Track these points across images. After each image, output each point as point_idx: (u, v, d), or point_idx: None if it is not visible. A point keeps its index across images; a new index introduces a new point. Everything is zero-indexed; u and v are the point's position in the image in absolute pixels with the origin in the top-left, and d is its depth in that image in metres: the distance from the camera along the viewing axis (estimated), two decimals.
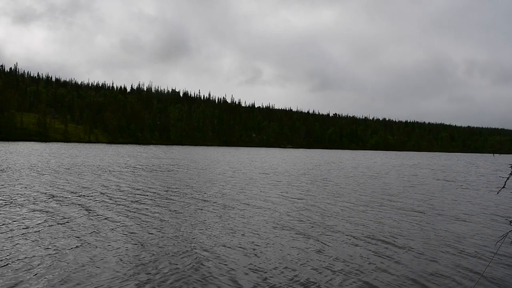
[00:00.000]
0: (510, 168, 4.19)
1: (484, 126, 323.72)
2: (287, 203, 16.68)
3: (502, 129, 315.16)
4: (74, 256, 8.50)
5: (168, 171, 32.27)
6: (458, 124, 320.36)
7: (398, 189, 23.58)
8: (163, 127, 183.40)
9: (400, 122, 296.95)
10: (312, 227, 12.18)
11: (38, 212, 13.04)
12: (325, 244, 10.22)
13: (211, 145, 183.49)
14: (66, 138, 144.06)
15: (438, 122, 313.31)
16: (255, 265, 8.36)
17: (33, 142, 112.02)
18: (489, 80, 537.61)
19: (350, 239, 10.79)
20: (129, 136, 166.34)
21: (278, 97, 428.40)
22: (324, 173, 34.74)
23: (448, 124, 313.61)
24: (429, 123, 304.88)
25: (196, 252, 9.13)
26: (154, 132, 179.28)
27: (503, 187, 4.26)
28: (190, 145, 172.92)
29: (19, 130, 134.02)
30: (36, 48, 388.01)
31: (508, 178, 4.13)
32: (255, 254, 9.13)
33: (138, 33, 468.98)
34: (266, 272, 7.94)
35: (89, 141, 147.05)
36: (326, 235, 11.20)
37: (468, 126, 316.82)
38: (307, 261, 8.76)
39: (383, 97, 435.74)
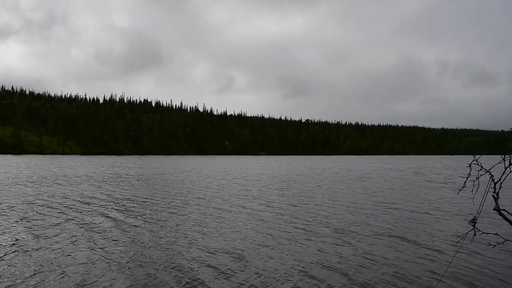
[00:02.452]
0: (468, 167, 4.31)
1: (458, 128, 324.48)
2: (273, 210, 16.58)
3: (477, 130, 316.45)
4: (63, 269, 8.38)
5: (148, 180, 33.47)
6: (432, 126, 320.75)
7: (359, 192, 23.80)
8: (136, 137, 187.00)
9: (373, 126, 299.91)
10: (295, 230, 12.38)
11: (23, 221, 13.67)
12: (303, 245, 10.48)
13: (185, 154, 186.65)
14: (40, 150, 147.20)
15: (412, 124, 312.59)
16: (240, 272, 8.34)
17: (8, 155, 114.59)
18: (462, 81, 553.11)
19: (313, 237, 11.37)
20: (102, 147, 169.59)
21: (251, 105, 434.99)
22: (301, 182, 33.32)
23: (421, 126, 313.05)
24: (402, 126, 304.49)
25: (180, 261, 9.09)
26: (128, 142, 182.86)
27: (463, 187, 4.30)
28: (164, 154, 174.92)
29: None
30: (13, 63, 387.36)
31: (467, 178, 4.21)
32: (240, 260, 9.20)
33: (112, 45, 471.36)
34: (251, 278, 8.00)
35: (63, 153, 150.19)
36: (308, 238, 11.37)
37: (442, 128, 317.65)
38: (292, 265, 8.85)
39: (355, 101, 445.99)
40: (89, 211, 16.08)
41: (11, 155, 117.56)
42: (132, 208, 16.92)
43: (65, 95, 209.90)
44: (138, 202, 18.93)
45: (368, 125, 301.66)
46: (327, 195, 22.29)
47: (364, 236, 11.60)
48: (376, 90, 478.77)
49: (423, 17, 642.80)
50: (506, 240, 4.77)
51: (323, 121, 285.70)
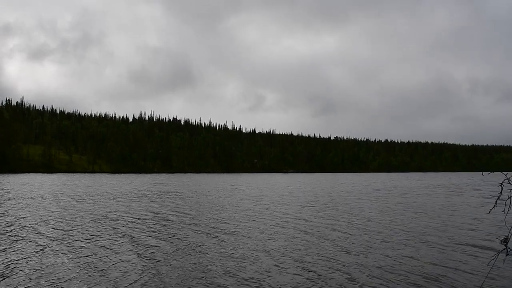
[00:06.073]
0: (500, 186, 4.27)
1: (488, 144, 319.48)
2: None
3: (508, 146, 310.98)
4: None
5: (182, 197, 33.90)
6: (462, 143, 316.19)
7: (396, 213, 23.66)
8: (165, 156, 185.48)
9: (402, 143, 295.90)
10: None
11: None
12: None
13: (213, 172, 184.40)
14: (70, 168, 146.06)
15: (441, 141, 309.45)
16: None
17: (39, 174, 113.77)
18: (492, 98, 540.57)
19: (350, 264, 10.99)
20: (131, 165, 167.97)
21: (280, 123, 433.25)
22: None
23: (451, 143, 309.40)
24: (431, 143, 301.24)
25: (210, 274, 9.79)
26: (156, 160, 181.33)
27: (495, 206, 4.31)
28: (192, 172, 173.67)
29: (25, 162, 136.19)
30: (47, 82, 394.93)
31: (498, 197, 4.21)
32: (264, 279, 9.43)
33: (145, 64, 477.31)
34: None
35: (93, 171, 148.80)
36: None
37: (472, 145, 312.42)
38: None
39: (385, 119, 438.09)
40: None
41: (42, 173, 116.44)
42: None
43: (95, 114, 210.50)
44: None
45: (397, 142, 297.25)
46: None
47: (389, 256, 11.57)
48: (406, 107, 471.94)
49: (454, 35, 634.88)
50: None
51: (352, 138, 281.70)
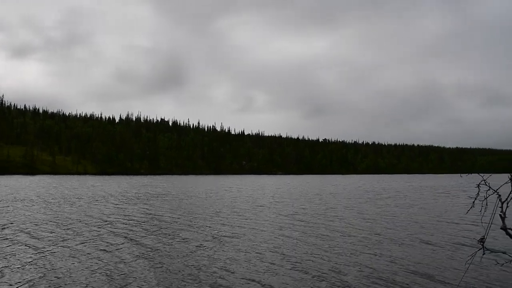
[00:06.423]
0: (477, 188, 4.41)
1: (473, 147, 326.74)
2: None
3: (490, 149, 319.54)
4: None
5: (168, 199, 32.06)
6: (448, 146, 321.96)
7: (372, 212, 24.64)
8: (152, 156, 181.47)
9: (390, 145, 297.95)
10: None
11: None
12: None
13: (202, 173, 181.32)
14: (53, 169, 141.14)
15: (428, 144, 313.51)
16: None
17: (20, 175, 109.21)
18: (478, 102, 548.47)
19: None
20: (117, 166, 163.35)
21: (270, 124, 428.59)
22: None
23: (437, 146, 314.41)
24: (418, 145, 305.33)
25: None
26: (143, 161, 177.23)
27: (472, 206, 4.44)
28: (180, 174, 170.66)
29: (5, 163, 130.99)
30: (31, 81, 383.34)
31: (475, 198, 4.35)
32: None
33: (133, 64, 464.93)
34: None
35: (78, 172, 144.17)
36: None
37: (457, 147, 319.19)
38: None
39: (373, 122, 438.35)
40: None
41: (23, 175, 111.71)
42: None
43: (79, 113, 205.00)
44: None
45: (385, 145, 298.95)
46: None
47: (369, 254, 12.17)
48: (394, 110, 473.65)
49: (442, 40, 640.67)
50: None
51: (340, 140, 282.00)
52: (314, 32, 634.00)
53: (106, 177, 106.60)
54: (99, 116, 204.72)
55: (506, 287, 8.94)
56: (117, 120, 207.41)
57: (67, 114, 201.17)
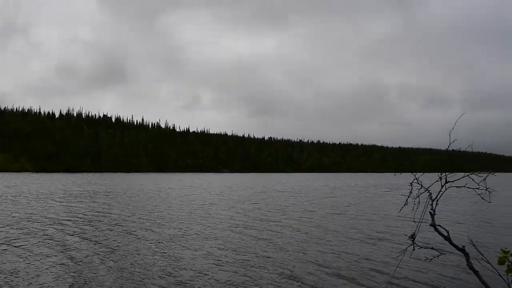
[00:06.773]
0: (410, 186, 4.64)
1: (414, 147, 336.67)
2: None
3: (430, 149, 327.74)
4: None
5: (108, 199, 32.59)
6: (390, 145, 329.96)
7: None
8: (94, 154, 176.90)
9: (334, 144, 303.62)
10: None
11: None
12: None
13: (146, 171, 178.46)
14: None
15: (371, 143, 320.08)
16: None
17: None
18: (419, 104, 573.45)
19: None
20: (58, 164, 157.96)
21: (215, 123, 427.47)
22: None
23: (380, 145, 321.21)
24: (362, 144, 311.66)
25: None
26: (86, 159, 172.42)
27: (405, 204, 4.65)
28: (123, 171, 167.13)
29: None
30: None
31: (408, 196, 4.57)
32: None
33: (75, 59, 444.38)
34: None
35: (15, 170, 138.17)
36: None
37: (400, 147, 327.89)
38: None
39: (319, 121, 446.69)
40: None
41: None
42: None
43: (16, 108, 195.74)
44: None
45: (329, 144, 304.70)
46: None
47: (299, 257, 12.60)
48: (340, 111, 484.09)
49: (386, 43, 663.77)
50: (441, 253, 5.11)
51: (286, 139, 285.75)
52: (263, 31, 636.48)
53: (46, 175, 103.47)
54: (38, 111, 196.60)
55: (432, 278, 10.22)
56: (57, 115, 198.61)
57: (3, 108, 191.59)
